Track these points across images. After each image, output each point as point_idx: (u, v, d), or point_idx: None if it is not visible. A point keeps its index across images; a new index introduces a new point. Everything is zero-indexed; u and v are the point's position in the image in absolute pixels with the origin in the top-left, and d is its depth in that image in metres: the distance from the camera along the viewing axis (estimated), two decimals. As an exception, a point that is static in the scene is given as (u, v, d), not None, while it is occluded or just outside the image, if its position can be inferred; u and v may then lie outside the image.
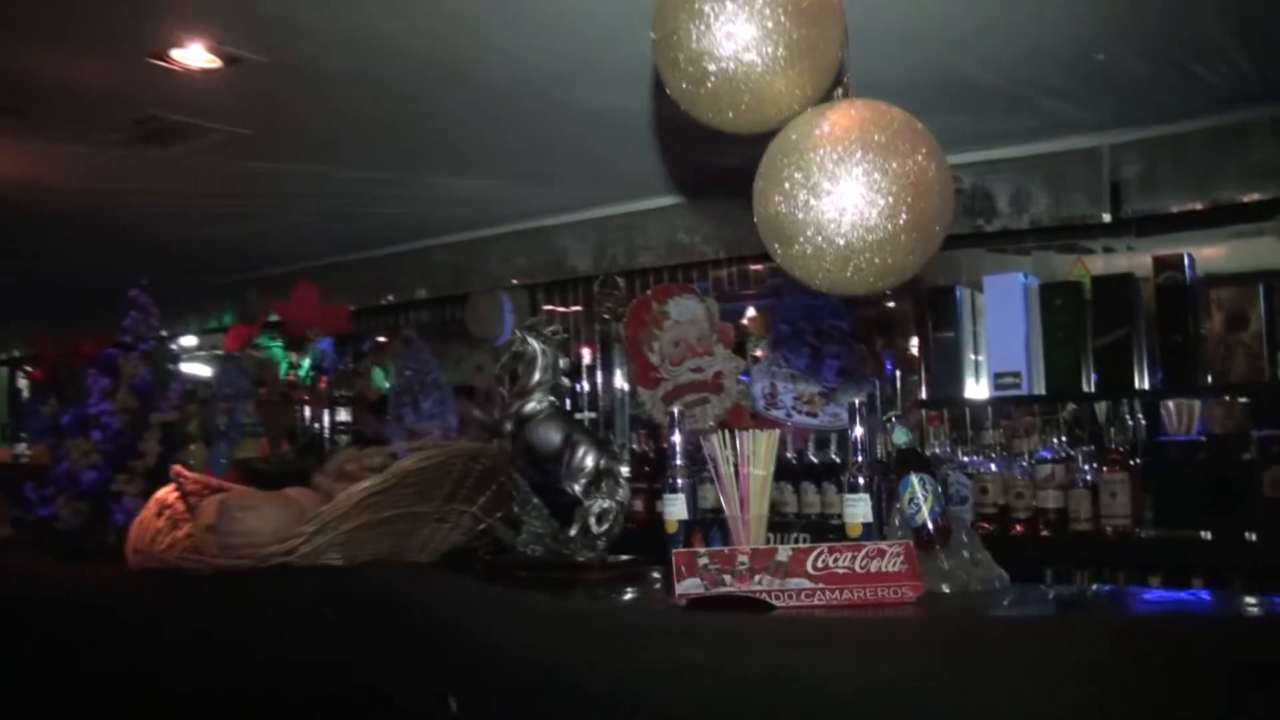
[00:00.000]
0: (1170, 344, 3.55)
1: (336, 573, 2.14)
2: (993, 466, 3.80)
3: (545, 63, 2.87)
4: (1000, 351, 3.81)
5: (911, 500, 1.99)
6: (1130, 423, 3.75)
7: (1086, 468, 3.65)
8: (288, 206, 4.15)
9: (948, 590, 1.91)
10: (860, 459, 2.09)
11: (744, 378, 4.44)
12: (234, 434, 4.61)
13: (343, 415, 5.55)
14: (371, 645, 1.91)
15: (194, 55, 2.67)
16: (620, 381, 4.89)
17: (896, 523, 2.02)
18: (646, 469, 4.56)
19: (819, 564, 1.82)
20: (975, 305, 3.89)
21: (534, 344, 2.43)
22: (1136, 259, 3.80)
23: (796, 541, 1.95)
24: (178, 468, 2.67)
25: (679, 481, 2.23)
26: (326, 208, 4.22)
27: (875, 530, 2.04)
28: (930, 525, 1.97)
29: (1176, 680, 1.28)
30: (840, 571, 1.82)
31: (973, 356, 3.90)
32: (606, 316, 4.75)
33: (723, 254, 4.41)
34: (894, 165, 1.77)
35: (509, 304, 4.95)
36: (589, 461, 2.34)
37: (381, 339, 5.46)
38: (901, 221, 1.77)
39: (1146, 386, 3.61)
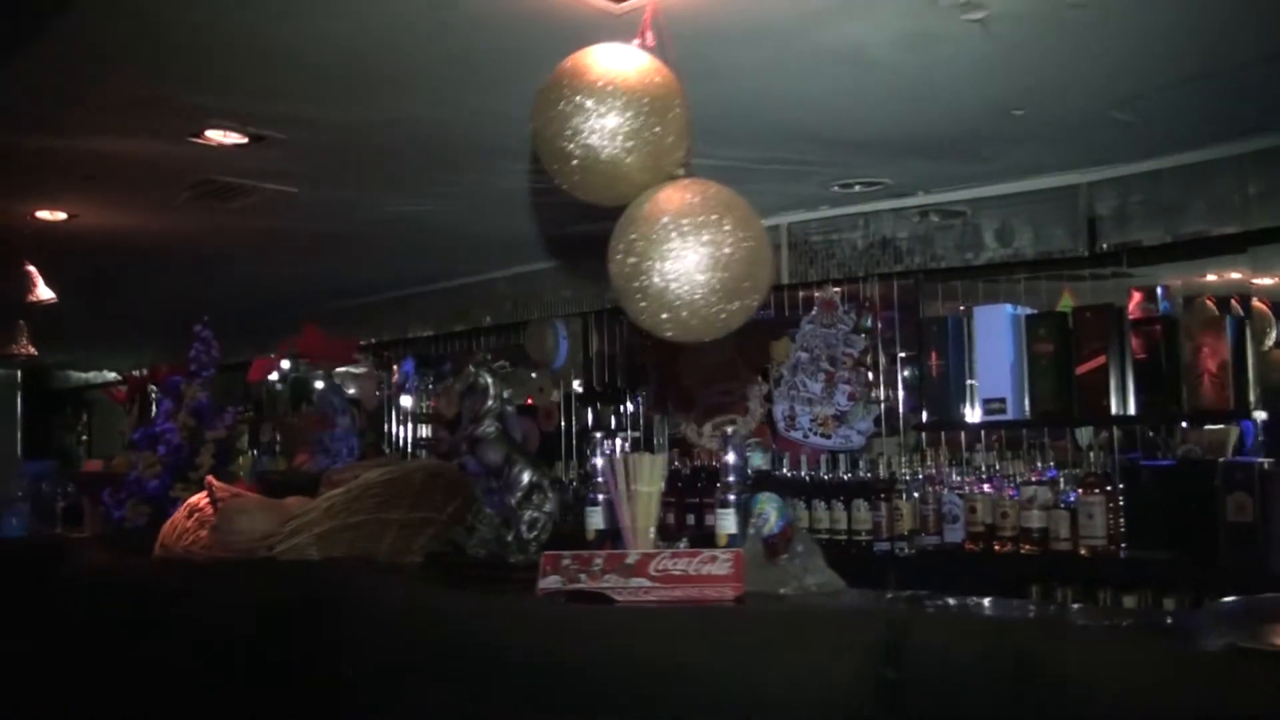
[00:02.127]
0: (1146, 372, 3.73)
1: (305, 566, 2.57)
2: (986, 488, 4.02)
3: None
4: (988, 379, 4.03)
5: (760, 514, 2.30)
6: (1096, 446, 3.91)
7: (1068, 490, 3.84)
8: (341, 248, 4.68)
9: (785, 592, 2.22)
10: (731, 479, 2.42)
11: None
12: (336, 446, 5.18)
13: (424, 431, 6.07)
14: (313, 622, 2.33)
15: (225, 135, 3.18)
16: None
17: (751, 533, 2.34)
18: (679, 484, 4.90)
19: (659, 567, 2.16)
20: (971, 334, 4.10)
21: (485, 378, 2.83)
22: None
23: (679, 548, 2.29)
24: (210, 477, 3.17)
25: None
26: (382, 246, 4.72)
27: (741, 539, 2.37)
28: (774, 536, 2.28)
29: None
30: (676, 573, 2.15)
31: (969, 382, 4.12)
32: (647, 343, 5.12)
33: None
34: (716, 235, 2.11)
35: (563, 331, 5.38)
36: (525, 478, 2.71)
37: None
38: (720, 281, 2.11)
39: (1131, 412, 3.78)
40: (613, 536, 2.57)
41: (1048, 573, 3.85)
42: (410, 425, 6.05)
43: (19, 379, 8.52)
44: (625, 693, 1.81)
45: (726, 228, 2.14)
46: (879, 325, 4.44)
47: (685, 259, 2.13)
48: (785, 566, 2.26)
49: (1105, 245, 3.80)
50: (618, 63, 2.19)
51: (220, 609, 2.50)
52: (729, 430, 4.84)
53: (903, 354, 4.40)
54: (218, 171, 3.50)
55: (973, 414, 4.08)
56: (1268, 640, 1.35)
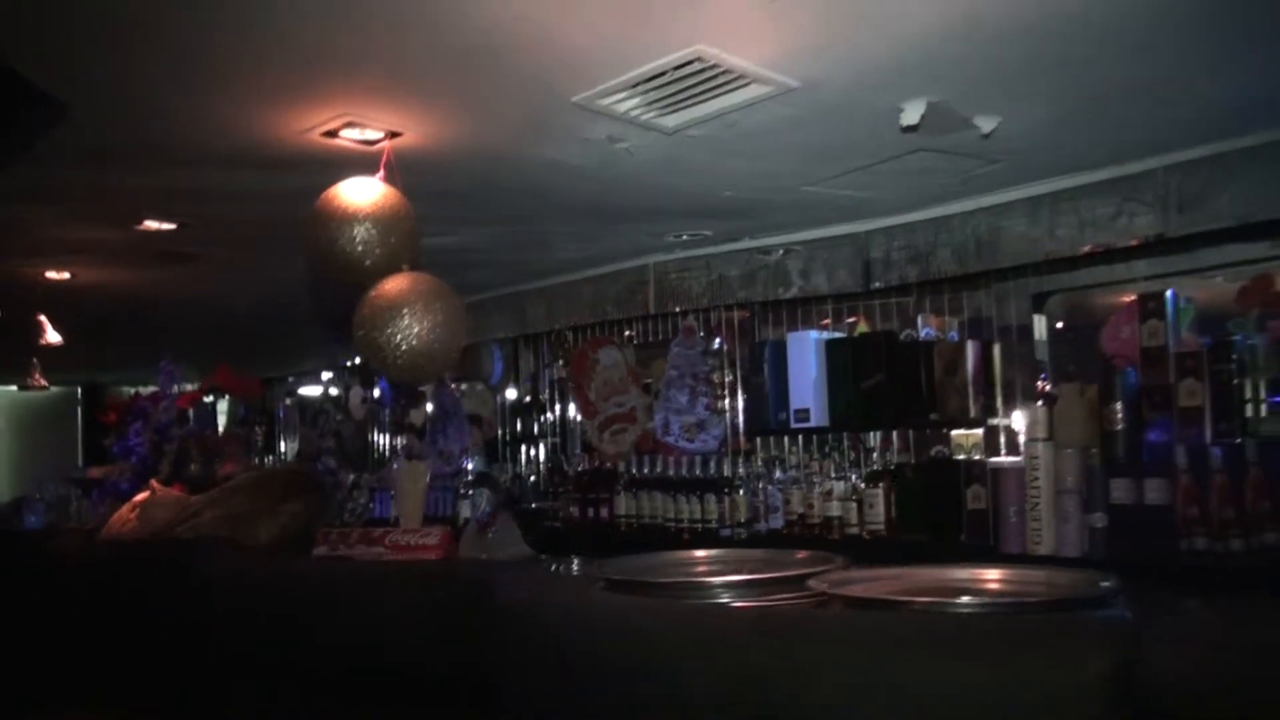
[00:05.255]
0: (909, 386, 4.55)
1: (183, 544, 3.60)
2: (794, 486, 4.89)
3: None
4: (798, 392, 4.89)
5: (475, 502, 3.26)
6: (874, 447, 4.75)
7: (859, 484, 4.68)
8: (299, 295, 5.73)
9: (484, 556, 3.17)
10: (469, 479, 3.39)
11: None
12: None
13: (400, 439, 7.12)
14: (180, 576, 3.34)
15: (160, 224, 4.25)
16: (572, 413, 6.20)
17: (469, 515, 3.30)
18: (585, 481, 5.84)
19: (391, 540, 3.12)
20: (786, 355, 4.97)
21: (328, 406, 3.83)
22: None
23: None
24: (153, 480, 4.23)
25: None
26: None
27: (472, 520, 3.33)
28: (485, 517, 3.23)
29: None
30: (403, 544, 3.11)
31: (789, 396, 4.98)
32: (559, 362, 6.09)
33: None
34: (432, 308, 3.08)
35: (498, 353, 6.37)
36: (349, 479, 3.72)
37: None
38: (429, 343, 3.07)
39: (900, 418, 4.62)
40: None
41: (840, 551, 4.68)
42: (388, 434, 7.12)
43: (79, 395, 9.87)
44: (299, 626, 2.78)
45: (436, 305, 3.11)
46: (725, 347, 5.33)
47: (409, 328, 3.10)
48: (491, 539, 3.21)
49: (878, 283, 4.65)
50: (364, 192, 3.17)
51: (125, 568, 3.54)
52: (620, 438, 5.80)
53: (741, 372, 5.28)
54: (164, 247, 4.57)
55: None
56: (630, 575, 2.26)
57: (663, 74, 2.73)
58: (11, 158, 3.24)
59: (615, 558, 2.40)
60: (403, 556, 3.09)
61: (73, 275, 5.16)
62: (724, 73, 2.71)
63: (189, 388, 4.92)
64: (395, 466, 3.52)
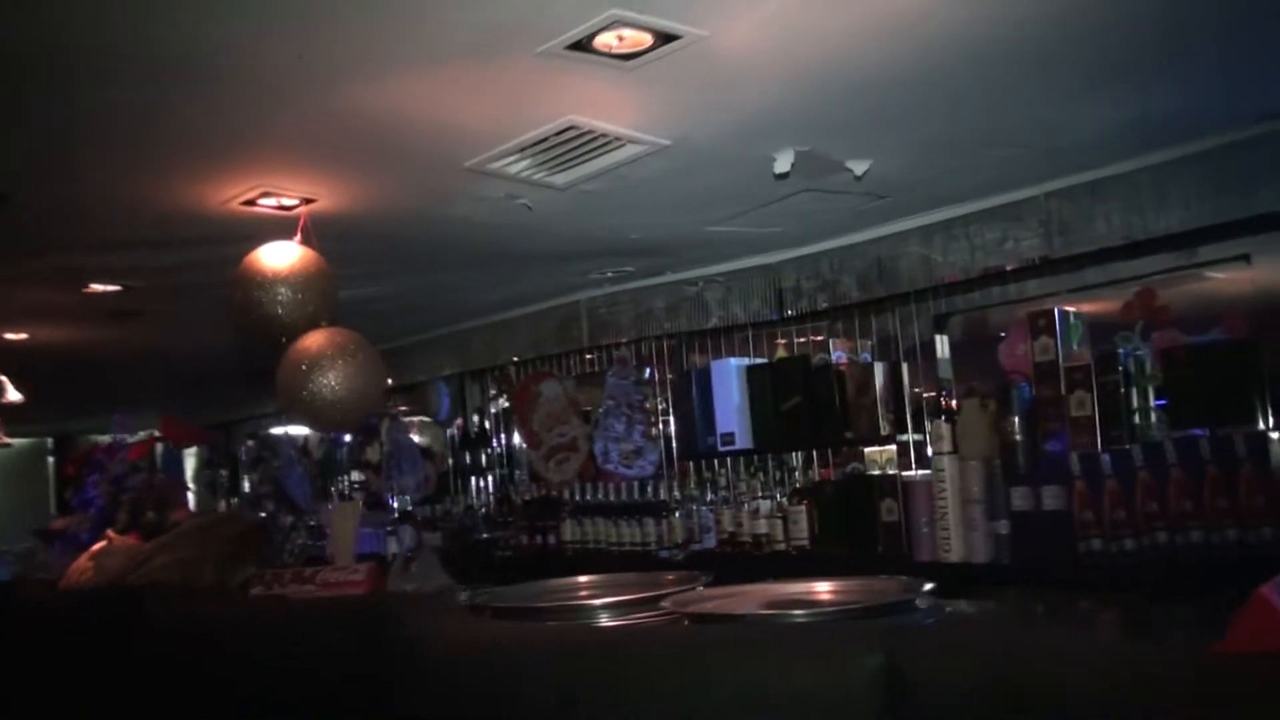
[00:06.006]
0: (825, 407, 4.80)
1: (131, 590, 3.81)
2: (724, 505, 5.14)
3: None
4: (723, 417, 5.14)
5: (400, 539, 3.49)
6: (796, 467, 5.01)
7: (783, 502, 4.93)
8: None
9: (409, 589, 3.40)
10: (395, 517, 3.62)
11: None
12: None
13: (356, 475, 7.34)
14: (125, 617, 3.55)
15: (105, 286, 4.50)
16: (517, 443, 6.44)
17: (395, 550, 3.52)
18: (532, 509, 6.08)
19: (322, 579, 3.35)
20: (710, 382, 5.22)
21: (264, 452, 4.06)
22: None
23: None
24: (109, 531, 4.44)
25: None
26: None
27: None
28: (410, 553, 3.46)
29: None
30: (332, 581, 3.34)
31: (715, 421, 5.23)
32: (502, 396, 6.34)
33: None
34: (348, 360, 3.32)
35: (445, 389, 6.62)
36: (288, 520, 3.94)
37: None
38: (348, 389, 3.31)
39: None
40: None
41: (766, 568, 4.93)
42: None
43: (51, 445, 10.08)
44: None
45: (355, 359, 3.35)
46: (655, 376, 5.59)
47: (328, 381, 3.33)
48: (414, 572, 3.45)
49: (791, 311, 4.91)
50: (285, 254, 3.42)
51: (77, 615, 3.76)
52: (563, 467, 6.03)
53: (671, 400, 5.53)
54: (112, 306, 4.82)
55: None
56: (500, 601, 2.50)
57: (545, 139, 2.99)
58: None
59: (510, 585, 2.65)
60: (331, 593, 3.32)
61: (30, 335, 5.40)
62: (599, 136, 2.97)
63: (141, 436, 5.14)
64: (329, 507, 3.74)
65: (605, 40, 2.34)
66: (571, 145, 3.02)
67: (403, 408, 6.94)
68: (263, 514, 3.98)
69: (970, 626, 1.77)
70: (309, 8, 2.16)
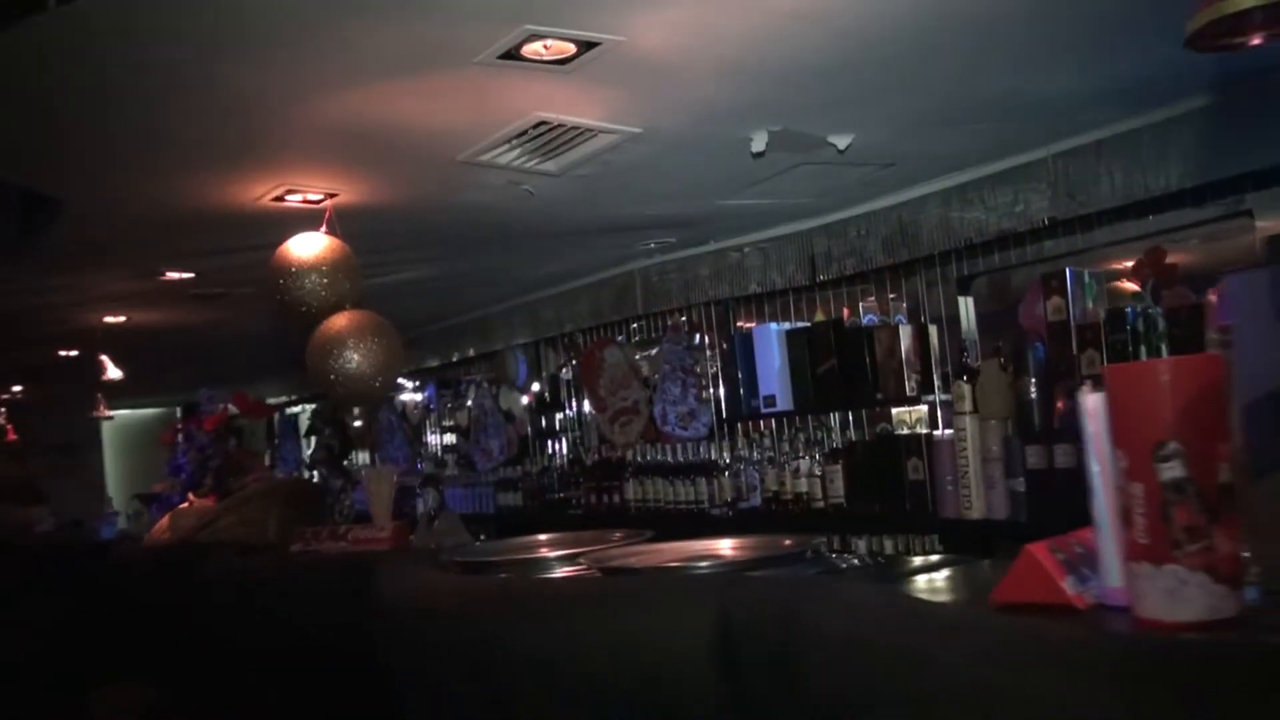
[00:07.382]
0: (856, 369, 4.95)
1: (194, 547, 4.25)
2: (769, 465, 5.34)
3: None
4: (765, 380, 5.32)
5: (424, 500, 3.81)
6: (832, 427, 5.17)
7: (820, 461, 5.10)
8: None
9: (433, 545, 3.72)
10: (424, 479, 3.95)
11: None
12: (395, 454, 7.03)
13: (449, 439, 7.78)
14: (186, 570, 3.98)
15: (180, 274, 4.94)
16: (587, 408, 6.74)
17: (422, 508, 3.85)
18: (597, 471, 6.38)
19: (352, 536, 3.70)
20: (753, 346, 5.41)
21: (319, 423, 4.44)
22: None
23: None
24: (190, 493, 4.92)
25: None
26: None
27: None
28: (431, 512, 3.79)
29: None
30: (362, 538, 3.68)
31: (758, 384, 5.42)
32: (572, 361, 6.65)
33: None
34: (368, 340, 3.65)
35: (522, 357, 6.96)
36: (338, 484, 4.32)
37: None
38: (373, 367, 3.64)
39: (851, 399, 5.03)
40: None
41: (809, 524, 5.12)
42: (440, 434, 7.78)
43: (179, 415, 10.81)
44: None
45: (375, 338, 3.68)
46: (706, 341, 5.81)
47: (350, 358, 3.67)
48: (436, 529, 3.78)
49: (822, 276, 5.07)
50: (312, 244, 3.76)
51: (153, 567, 4.22)
52: (627, 429, 6.31)
53: (721, 363, 5.74)
54: (192, 290, 5.31)
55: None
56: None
57: (524, 133, 3.23)
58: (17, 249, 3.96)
59: (483, 543, 2.95)
60: (360, 548, 3.67)
61: (128, 318, 5.93)
62: (571, 128, 3.20)
63: (228, 408, 5.61)
64: (365, 473, 4.10)
65: (534, 49, 2.56)
66: (549, 137, 3.26)
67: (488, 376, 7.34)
68: (315, 478, 4.38)
69: (808, 582, 1.96)
70: (279, 34, 2.45)
